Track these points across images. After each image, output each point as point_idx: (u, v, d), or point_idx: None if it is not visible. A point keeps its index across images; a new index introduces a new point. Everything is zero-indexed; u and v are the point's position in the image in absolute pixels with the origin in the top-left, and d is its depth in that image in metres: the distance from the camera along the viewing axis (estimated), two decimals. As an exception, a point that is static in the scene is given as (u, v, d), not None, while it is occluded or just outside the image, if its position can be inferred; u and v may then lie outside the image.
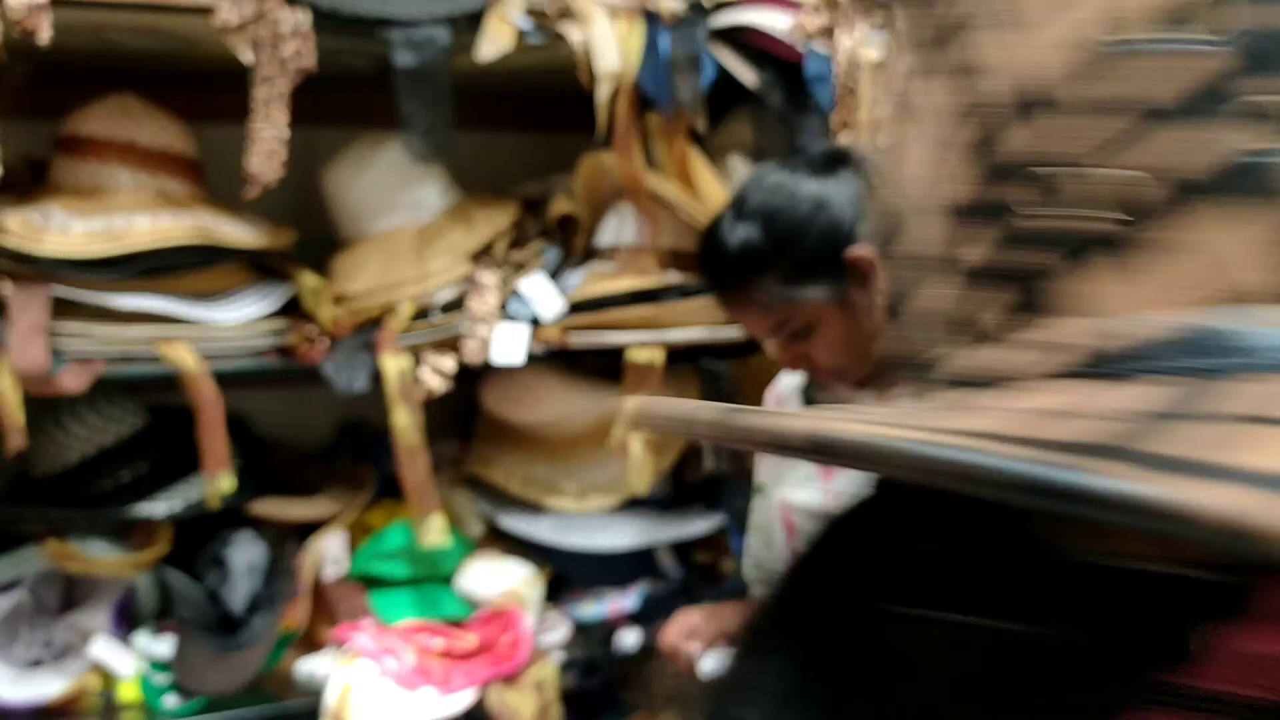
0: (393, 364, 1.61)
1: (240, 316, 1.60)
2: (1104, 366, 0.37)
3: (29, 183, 1.67)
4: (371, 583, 1.79)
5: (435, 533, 1.65)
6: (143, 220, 1.55)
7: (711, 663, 1.32)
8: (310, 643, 1.76)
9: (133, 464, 1.65)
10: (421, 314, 1.70)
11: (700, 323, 1.77)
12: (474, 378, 1.88)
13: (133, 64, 1.70)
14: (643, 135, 1.78)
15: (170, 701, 1.60)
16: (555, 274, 1.82)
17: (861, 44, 1.76)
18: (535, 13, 1.64)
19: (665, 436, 1.83)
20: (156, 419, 1.73)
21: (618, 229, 1.85)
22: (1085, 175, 0.39)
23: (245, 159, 1.53)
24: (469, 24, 1.61)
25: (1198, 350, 0.35)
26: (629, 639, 1.82)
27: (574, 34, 1.65)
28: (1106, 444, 0.30)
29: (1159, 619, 0.37)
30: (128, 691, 1.62)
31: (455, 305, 1.71)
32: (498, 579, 1.79)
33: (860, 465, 0.38)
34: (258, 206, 1.74)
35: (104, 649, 1.60)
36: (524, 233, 1.85)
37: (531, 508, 1.89)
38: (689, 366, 1.86)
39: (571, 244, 1.91)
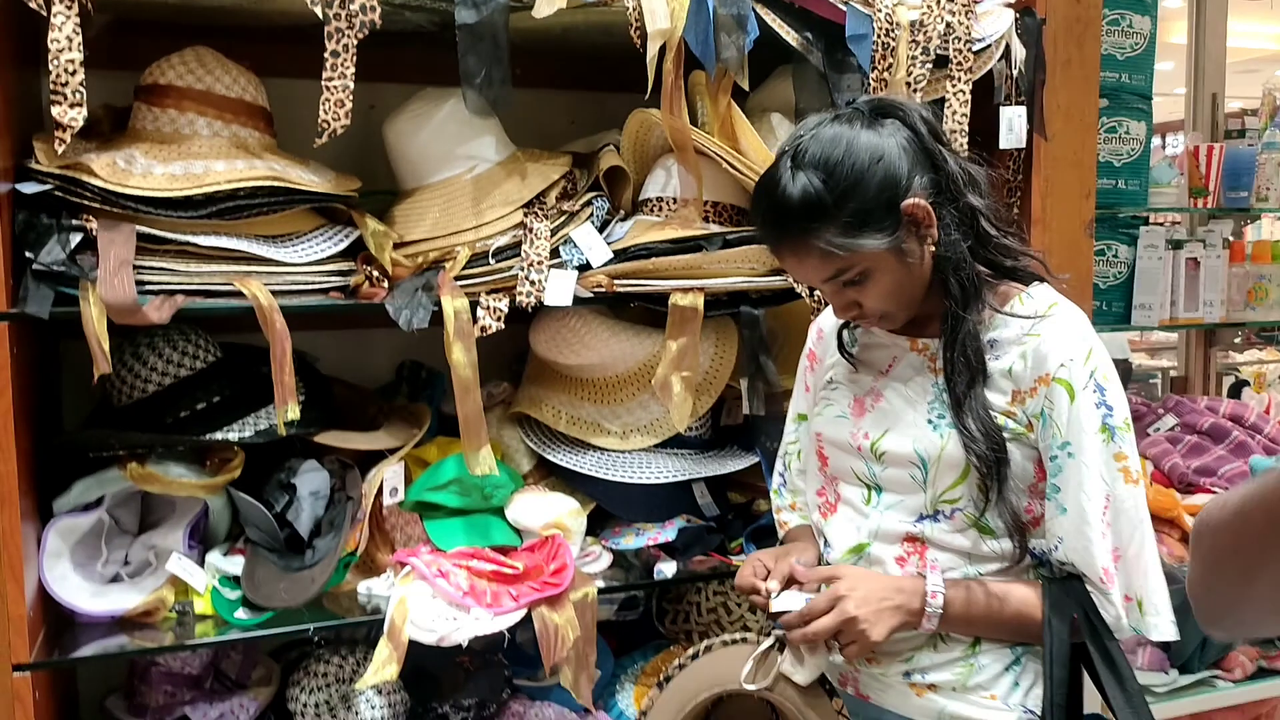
0: (451, 304, 1.70)
1: (308, 257, 1.70)
2: None
3: (110, 129, 1.78)
4: (426, 512, 1.90)
5: (484, 464, 1.75)
6: (219, 165, 1.65)
7: (784, 601, 1.41)
8: (369, 566, 1.88)
9: (208, 394, 1.77)
10: (477, 259, 1.79)
11: (740, 271, 1.85)
12: (525, 322, 1.98)
13: (207, 19, 1.80)
14: (688, 93, 1.86)
15: (241, 614, 1.72)
16: (603, 224, 1.91)
17: (900, 4, 1.82)
18: (589, -27, 1.72)
19: (705, 378, 1.93)
20: (229, 355, 1.85)
21: (663, 182, 1.93)
22: None
23: (317, 110, 1.62)
24: (527, -17, 1.69)
25: None
26: (666, 570, 1.92)
27: (625, -6, 1.73)
28: None
29: None
30: (201, 604, 1.74)
31: (508, 251, 1.80)
32: (544, 511, 1.89)
33: None
34: (323, 157, 1.85)
35: (180, 565, 1.72)
36: (574, 185, 1.94)
37: (577, 445, 1.99)
38: (728, 313, 1.93)
39: (619, 197, 2.00)
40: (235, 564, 1.77)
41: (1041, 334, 1.32)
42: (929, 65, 1.82)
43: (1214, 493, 2.48)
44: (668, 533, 1.94)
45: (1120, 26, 2.72)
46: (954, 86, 1.83)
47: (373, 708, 1.88)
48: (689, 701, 1.43)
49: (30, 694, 1.53)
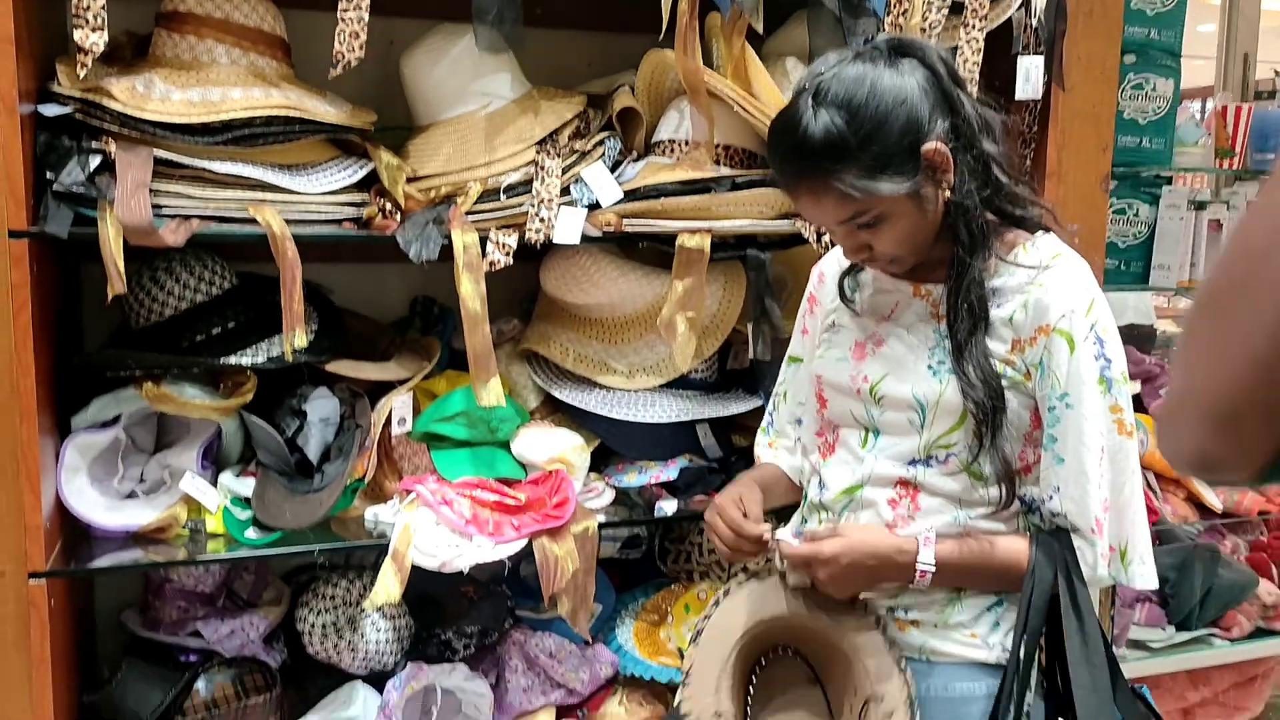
0: (461, 238, 1.73)
1: (322, 187, 1.73)
2: None
3: (131, 55, 1.80)
4: (433, 442, 1.94)
5: (492, 395, 1.78)
6: (236, 93, 1.68)
7: (787, 532, 1.43)
8: (376, 493, 1.93)
9: (223, 320, 1.81)
10: (488, 195, 1.81)
11: (748, 215, 1.86)
12: (536, 261, 2.01)
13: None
14: (704, 35, 1.86)
15: (251, 534, 1.77)
16: (615, 165, 1.93)
17: (917, -51, 1.81)
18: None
19: (711, 321, 1.95)
20: (245, 283, 1.88)
21: (676, 124, 1.94)
22: None
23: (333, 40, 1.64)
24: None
25: None
26: (667, 507, 1.96)
27: (642, -69, 1.73)
28: None
29: None
30: (213, 523, 1.79)
31: (520, 188, 1.82)
32: (549, 445, 1.93)
33: None
34: (342, 92, 1.87)
35: (193, 484, 1.77)
36: (588, 125, 1.95)
37: (584, 383, 2.02)
38: (736, 256, 1.95)
39: (632, 138, 2.01)
40: (246, 485, 1.82)
41: (1044, 284, 1.33)
42: (944, 11, 1.81)
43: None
44: (670, 471, 1.97)
45: (1151, -20, 2.68)
46: (967, 33, 1.83)
47: (378, 630, 1.94)
48: (727, 646, 1.43)
49: (46, 601, 1.59)
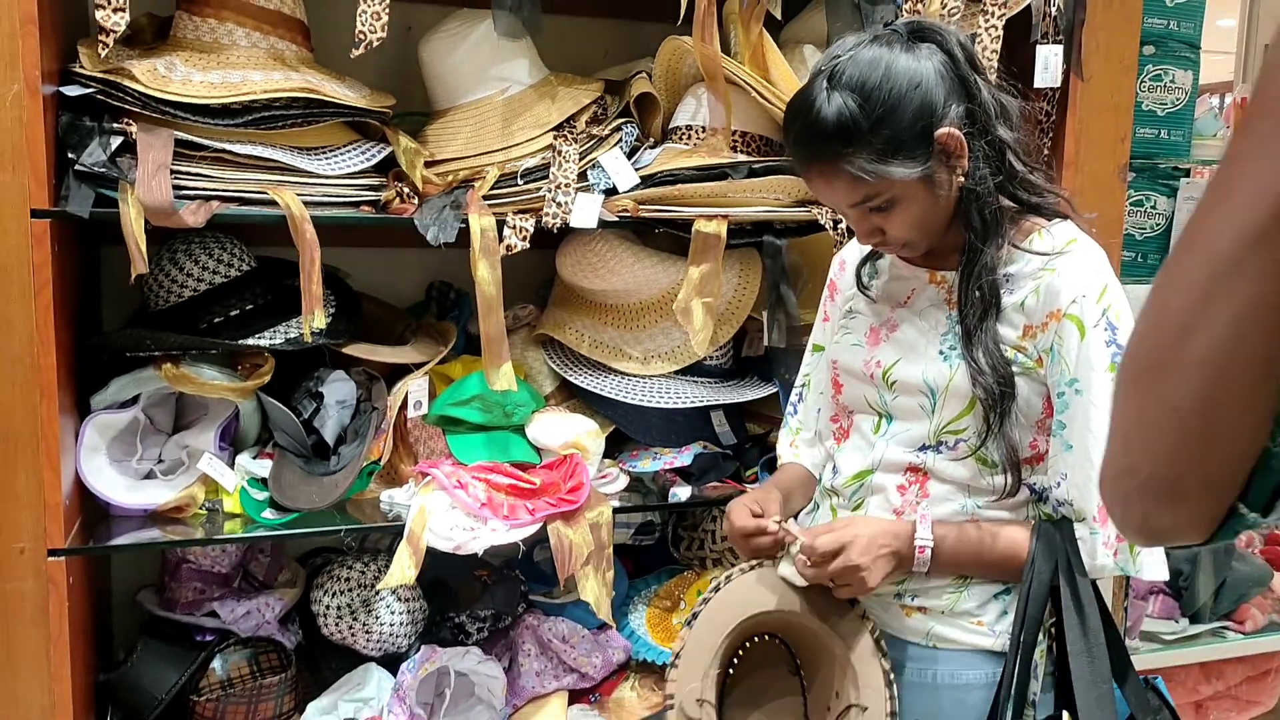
0: (478, 222, 1.73)
1: (340, 170, 1.74)
2: None
3: (151, 37, 1.81)
4: (448, 426, 1.95)
5: (504, 380, 1.79)
6: (256, 75, 1.69)
7: (797, 528, 1.42)
8: (391, 476, 1.94)
9: (241, 301, 1.82)
10: (505, 179, 1.82)
11: (765, 201, 1.86)
12: (552, 246, 2.01)
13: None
14: (721, 21, 1.86)
15: (267, 514, 1.78)
16: (632, 151, 1.93)
17: (937, -64, 1.81)
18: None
19: (728, 308, 1.95)
20: (263, 266, 1.89)
21: (693, 111, 1.94)
22: None
23: (355, 26, 1.65)
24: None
25: None
26: (680, 493, 1.96)
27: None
28: None
29: None
30: (230, 503, 1.80)
31: (537, 173, 1.82)
32: (563, 430, 1.93)
33: None
34: (361, 78, 1.88)
35: (211, 465, 1.78)
36: (605, 110, 1.96)
37: (599, 368, 2.02)
38: (752, 242, 1.95)
39: (649, 124, 2.01)
40: (263, 466, 1.83)
41: (1057, 269, 1.32)
42: (963, -1, 1.81)
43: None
44: (684, 458, 1.98)
45: (1171, -30, 2.66)
46: (986, 21, 1.82)
47: (392, 613, 1.95)
48: (720, 634, 1.44)
49: (64, 578, 1.60)
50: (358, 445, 1.83)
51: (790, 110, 1.35)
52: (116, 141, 1.59)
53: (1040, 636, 1.32)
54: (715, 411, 2.05)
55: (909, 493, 1.42)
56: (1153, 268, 2.80)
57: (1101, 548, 1.30)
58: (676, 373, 2.02)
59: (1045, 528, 1.35)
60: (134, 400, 1.79)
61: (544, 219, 1.79)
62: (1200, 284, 0.56)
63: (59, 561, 1.60)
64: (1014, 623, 1.32)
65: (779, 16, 1.81)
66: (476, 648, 1.97)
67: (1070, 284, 1.31)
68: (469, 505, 1.78)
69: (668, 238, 1.96)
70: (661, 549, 2.33)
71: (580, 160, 1.83)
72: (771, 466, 2.03)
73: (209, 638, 1.94)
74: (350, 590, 1.94)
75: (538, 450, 1.97)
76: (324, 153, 1.76)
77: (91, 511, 1.76)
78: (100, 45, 1.54)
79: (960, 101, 1.30)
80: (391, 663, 1.96)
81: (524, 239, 1.78)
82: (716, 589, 1.46)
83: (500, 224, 1.77)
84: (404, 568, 1.71)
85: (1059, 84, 1.93)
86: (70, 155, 1.58)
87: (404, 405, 1.89)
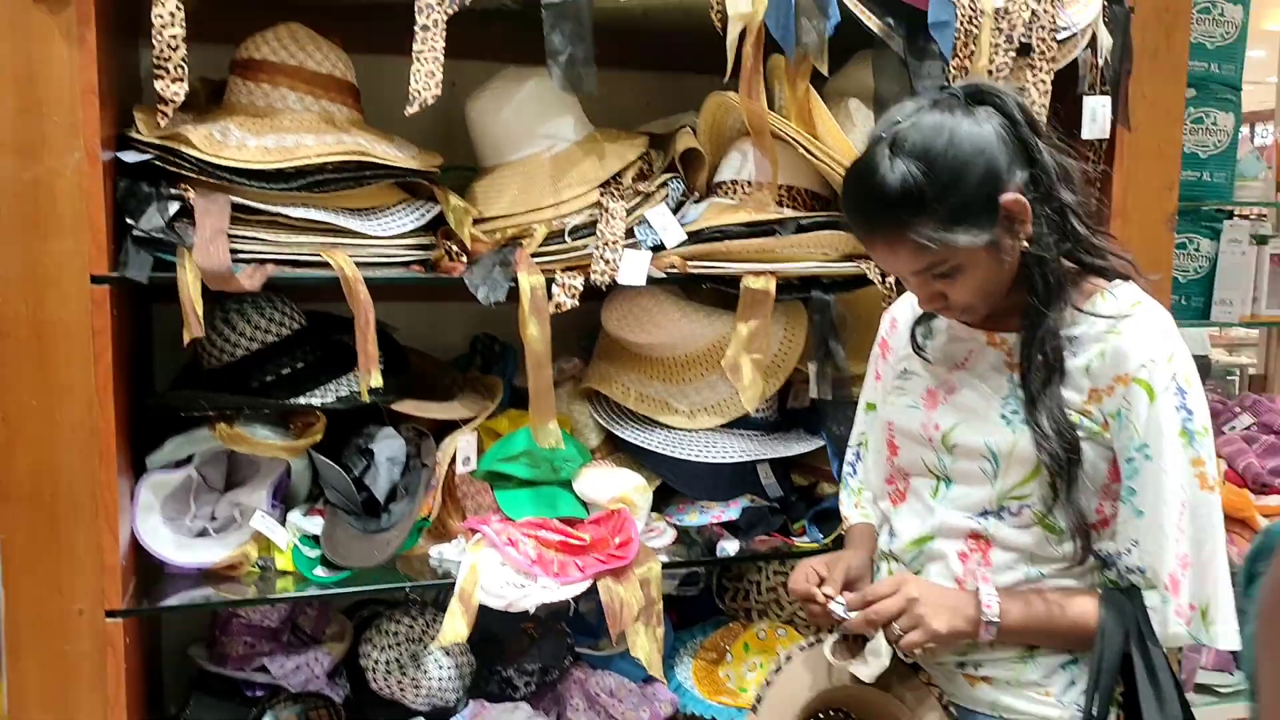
0: (527, 280, 1.74)
1: (391, 230, 1.76)
2: None
3: (205, 101, 1.84)
4: (496, 481, 1.95)
5: (550, 437, 1.80)
6: (309, 139, 1.71)
7: (842, 608, 1.40)
8: (440, 531, 1.94)
9: (292, 360, 1.83)
10: (553, 237, 1.83)
11: (812, 256, 1.86)
12: (597, 300, 2.02)
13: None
14: (766, 77, 1.87)
15: (319, 572, 1.79)
16: (678, 206, 1.94)
17: (984, -8, 1.81)
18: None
19: (774, 361, 1.94)
20: (312, 322, 1.91)
21: (738, 166, 1.95)
22: None
23: (401, 86, 1.67)
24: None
25: None
26: (729, 548, 1.95)
27: (708, -24, 1.74)
28: None
29: None
30: (282, 561, 1.81)
31: (584, 230, 1.83)
32: (611, 485, 1.93)
33: None
34: (405, 133, 1.90)
35: (264, 523, 1.79)
36: (650, 166, 1.97)
37: (645, 422, 2.02)
38: (798, 297, 1.95)
39: (694, 179, 2.02)
40: (315, 524, 1.84)
41: (1123, 332, 1.30)
42: (1012, 53, 1.81)
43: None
44: (731, 511, 1.97)
45: (1211, 14, 2.67)
46: (1035, 76, 1.82)
47: (440, 667, 1.95)
48: (788, 716, 1.43)
49: (122, 639, 1.62)
50: (409, 502, 1.84)
51: (851, 177, 1.33)
52: (174, 207, 1.62)
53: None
54: (761, 465, 2.04)
55: (970, 560, 1.39)
56: (1196, 310, 2.79)
57: (1174, 616, 1.28)
58: (722, 426, 2.02)
59: (1114, 596, 1.32)
60: (188, 459, 1.80)
61: (592, 276, 1.80)
62: None
63: (117, 623, 1.61)
64: (1086, 694, 1.30)
65: (825, 73, 1.82)
66: (525, 703, 1.97)
67: (1138, 348, 1.29)
68: (520, 563, 1.78)
69: (713, 290, 1.97)
70: (706, 599, 2.32)
71: (627, 217, 1.84)
72: (819, 520, 2.03)
73: (259, 693, 1.95)
74: (399, 644, 1.94)
75: (585, 505, 1.97)
76: (375, 213, 1.77)
77: (145, 570, 1.78)
78: (160, 115, 1.57)
79: (1023, 166, 1.29)
80: (439, 717, 1.96)
81: (573, 297, 1.78)
82: (778, 669, 1.45)
83: (549, 282, 1.78)
84: (456, 626, 1.71)
85: (1108, 135, 1.93)
86: (128, 221, 1.61)
87: (452, 460, 1.90)
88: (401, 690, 1.93)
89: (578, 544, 1.84)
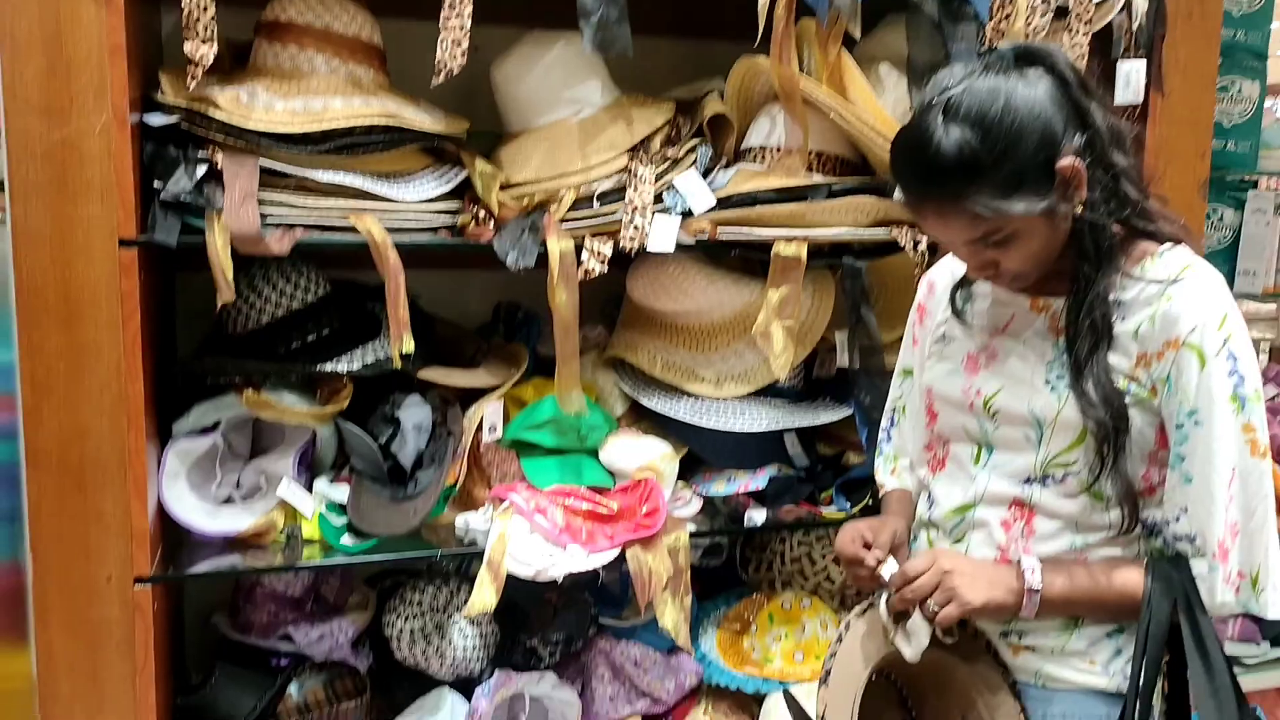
0: (556, 246, 1.73)
1: (419, 195, 1.74)
2: None
3: (230, 64, 1.82)
4: (522, 450, 1.94)
5: (575, 403, 1.79)
6: (336, 102, 1.69)
7: (891, 570, 1.39)
8: (465, 500, 1.93)
9: (318, 327, 1.82)
10: (581, 202, 1.81)
11: (843, 222, 1.85)
12: (620, 267, 2.00)
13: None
14: (795, 40, 1.85)
15: (346, 540, 1.78)
16: (706, 171, 1.91)
17: (1022, -46, 1.79)
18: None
19: (801, 328, 1.92)
20: (336, 289, 1.89)
21: (767, 131, 1.93)
22: None
23: (425, 50, 1.64)
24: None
25: None
26: (756, 517, 1.94)
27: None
28: None
29: None
30: (309, 529, 1.80)
31: (613, 195, 1.81)
32: (638, 454, 1.92)
33: None
34: (428, 98, 1.87)
35: (290, 490, 1.78)
36: (678, 131, 1.94)
37: (671, 390, 2.01)
38: (826, 264, 1.93)
39: (722, 144, 1.99)
40: (341, 492, 1.83)
41: (1173, 296, 1.27)
42: (1049, 15, 1.78)
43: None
44: (759, 481, 1.96)
45: (1238, -20, 2.63)
46: (1071, 38, 1.80)
47: (465, 637, 1.94)
48: (855, 686, 1.38)
49: (150, 605, 1.61)
50: (435, 470, 1.83)
51: (902, 146, 1.29)
52: (201, 170, 1.60)
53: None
54: (788, 433, 2.03)
55: (1014, 528, 1.37)
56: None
57: (1223, 585, 1.26)
58: (749, 395, 2.01)
59: (1160, 565, 1.30)
60: (213, 426, 1.79)
61: (621, 242, 1.78)
62: None
63: (145, 590, 1.60)
64: (1132, 663, 1.28)
65: (857, 36, 1.79)
66: (551, 673, 1.96)
67: (1189, 311, 1.26)
68: (548, 531, 1.77)
69: (738, 257, 1.95)
70: (729, 570, 2.31)
71: (656, 182, 1.82)
72: (847, 489, 2.02)
73: (283, 662, 1.94)
74: (423, 614, 1.94)
75: (611, 473, 1.96)
76: (402, 178, 1.75)
77: (171, 537, 1.77)
78: (189, 77, 1.54)
79: (1077, 129, 1.25)
80: (463, 686, 1.95)
81: (602, 262, 1.77)
82: (840, 638, 1.43)
83: (578, 248, 1.76)
84: (485, 595, 1.70)
85: (1141, 100, 1.90)
86: (156, 184, 1.59)
87: (478, 429, 1.89)
88: (426, 659, 1.93)
89: (606, 513, 1.83)
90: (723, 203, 1.85)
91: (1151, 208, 1.31)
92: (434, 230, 1.78)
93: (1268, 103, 2.81)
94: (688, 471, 2.04)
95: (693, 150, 1.90)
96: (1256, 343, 3.79)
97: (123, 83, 1.51)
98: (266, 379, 1.77)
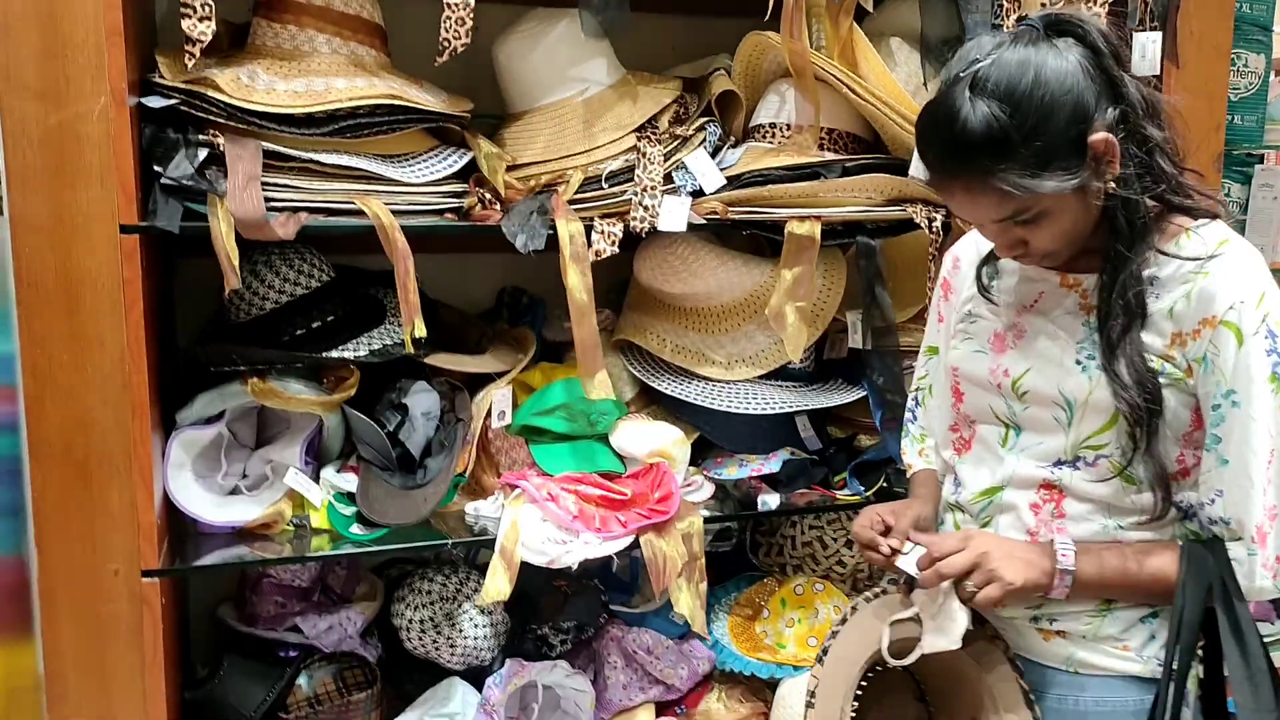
0: (566, 228, 1.69)
1: (424, 177, 1.70)
2: None
3: (227, 45, 1.78)
4: (531, 436, 1.91)
5: (600, 389, 1.75)
6: (339, 82, 1.65)
7: (908, 561, 1.37)
8: (474, 488, 1.90)
9: (322, 313, 1.78)
10: (589, 183, 1.78)
11: (856, 201, 1.81)
12: (625, 249, 1.96)
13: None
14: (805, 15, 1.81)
15: (356, 530, 1.75)
16: (715, 150, 1.88)
17: (1037, -76, 1.75)
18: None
19: (817, 308, 1.89)
20: (339, 275, 1.85)
21: (776, 108, 1.90)
22: None
23: (425, 30, 1.60)
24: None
25: None
26: (770, 501, 1.92)
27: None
28: None
29: None
30: (317, 519, 1.77)
31: (621, 175, 1.78)
32: (649, 438, 1.89)
33: None
34: (426, 77, 1.83)
35: (298, 480, 1.75)
36: (686, 109, 1.91)
37: (681, 374, 1.98)
38: (838, 243, 1.90)
39: (730, 122, 1.96)
40: (349, 481, 1.80)
41: (1210, 273, 1.23)
42: (1066, -13, 1.75)
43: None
44: (771, 464, 1.93)
45: (1244, -49, 2.60)
46: (1090, 9, 1.76)
47: (475, 626, 1.91)
48: (853, 669, 1.38)
49: (158, 599, 1.58)
50: (445, 458, 1.80)
51: (927, 121, 1.25)
52: (203, 154, 1.56)
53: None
54: (800, 416, 2.00)
55: (1043, 511, 1.34)
56: (1226, 257, 2.74)
57: (1261, 569, 1.23)
58: (760, 377, 1.98)
59: (1194, 549, 1.27)
60: (218, 416, 1.76)
61: (631, 223, 1.75)
62: None
63: (153, 583, 1.57)
64: (1166, 648, 1.26)
65: (870, 9, 1.76)
66: (563, 661, 1.94)
67: (1226, 289, 1.22)
68: (561, 518, 1.74)
69: (746, 236, 1.92)
70: (739, 555, 2.29)
71: (665, 162, 1.78)
72: (861, 472, 1.99)
73: (292, 653, 1.91)
74: (432, 603, 1.91)
75: (621, 458, 1.93)
76: (407, 160, 1.72)
77: (176, 529, 1.74)
78: (187, 55, 1.50)
79: (1111, 102, 1.21)
80: (474, 676, 1.93)
81: (613, 244, 1.73)
82: (844, 620, 1.41)
83: (587, 229, 1.73)
84: (498, 583, 1.68)
85: (1158, 71, 1.87)
86: (156, 168, 1.55)
87: (486, 415, 1.85)
88: (437, 649, 1.90)
89: (619, 498, 1.80)
90: (733, 182, 1.82)
91: (1186, 182, 1.28)
92: (440, 213, 1.74)
93: (1274, 76, 2.79)
94: (697, 456, 2.01)
95: (701, 129, 1.86)
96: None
97: (120, 64, 1.46)
98: (273, 367, 1.73)
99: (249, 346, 1.74)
